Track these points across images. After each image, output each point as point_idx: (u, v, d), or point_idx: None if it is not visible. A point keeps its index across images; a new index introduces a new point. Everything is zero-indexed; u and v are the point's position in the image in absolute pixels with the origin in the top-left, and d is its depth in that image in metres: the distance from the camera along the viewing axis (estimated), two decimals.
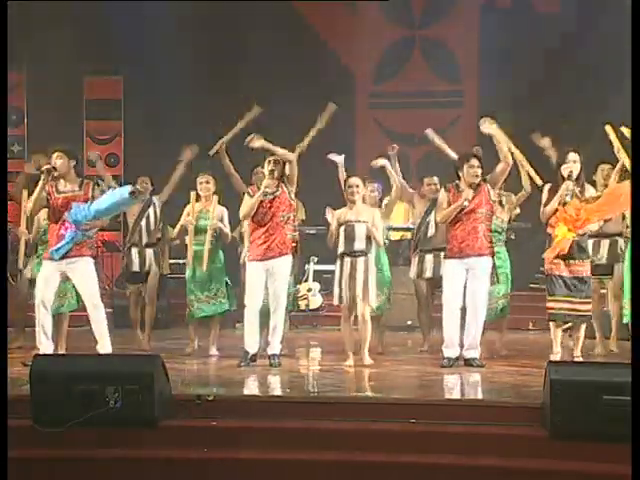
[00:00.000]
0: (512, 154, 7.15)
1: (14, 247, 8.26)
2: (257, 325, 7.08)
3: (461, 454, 5.05)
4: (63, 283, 7.01)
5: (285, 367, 7.01)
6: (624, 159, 7.14)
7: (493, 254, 7.05)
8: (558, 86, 11.96)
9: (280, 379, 6.59)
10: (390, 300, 7.97)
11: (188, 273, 7.91)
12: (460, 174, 7.01)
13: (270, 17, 12.25)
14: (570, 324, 7.25)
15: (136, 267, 8.21)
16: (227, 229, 7.90)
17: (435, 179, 8.01)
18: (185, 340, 8.12)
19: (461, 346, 6.99)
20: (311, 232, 10.14)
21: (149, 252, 8.22)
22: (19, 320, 8.27)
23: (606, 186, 7.51)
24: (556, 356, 6.91)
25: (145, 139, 12.45)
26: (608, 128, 7.19)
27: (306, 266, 10.43)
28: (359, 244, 7.10)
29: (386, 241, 8.01)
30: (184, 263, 8.23)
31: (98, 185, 6.99)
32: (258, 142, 6.95)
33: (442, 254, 7.33)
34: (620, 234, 7.65)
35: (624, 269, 7.46)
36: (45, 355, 6.35)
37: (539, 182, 7.46)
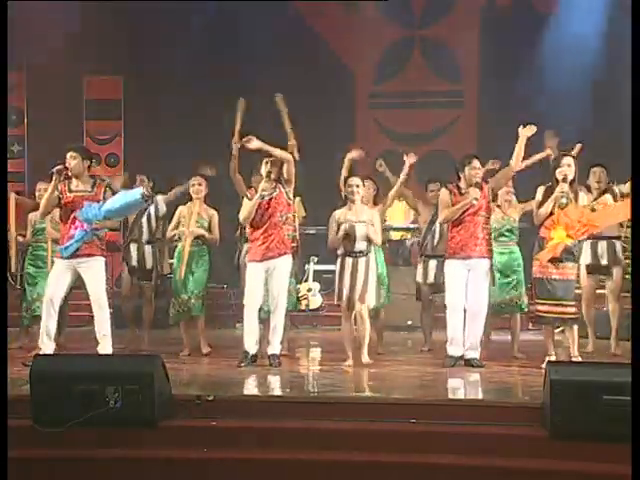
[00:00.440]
0: None
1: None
2: (257, 325, 7.09)
3: (461, 454, 5.05)
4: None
5: (285, 367, 7.02)
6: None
7: (492, 256, 7.08)
8: (557, 86, 11.95)
9: (280, 379, 6.59)
10: (389, 298, 7.98)
11: (176, 275, 7.93)
12: (461, 175, 7.04)
13: (270, 17, 12.25)
14: (562, 328, 7.26)
15: (134, 262, 8.21)
16: (215, 230, 7.91)
17: (439, 185, 8.00)
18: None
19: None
20: (311, 232, 10.14)
21: (148, 249, 8.21)
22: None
23: (598, 189, 7.55)
24: (551, 358, 6.90)
25: (145, 139, 12.45)
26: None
27: (306, 266, 10.42)
28: (360, 244, 7.11)
29: (386, 245, 8.03)
30: None
31: (110, 188, 6.97)
32: (255, 143, 6.94)
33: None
34: (618, 237, 7.68)
35: (621, 271, 7.59)
36: (45, 355, 6.35)
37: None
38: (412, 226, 10.43)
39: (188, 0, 12.09)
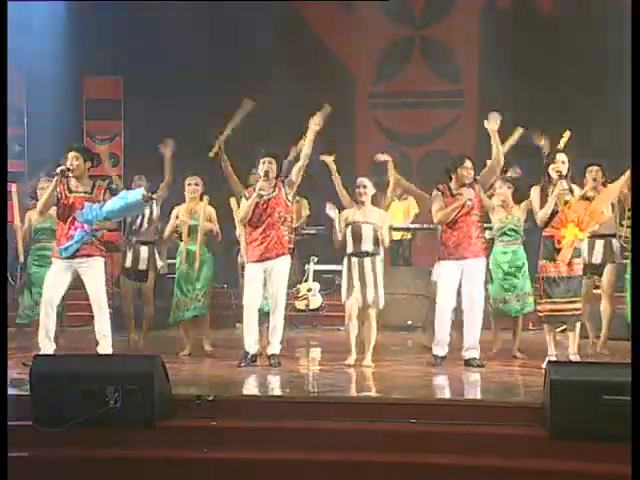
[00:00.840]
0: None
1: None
2: (256, 325, 7.09)
3: (461, 454, 5.05)
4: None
5: (285, 367, 7.02)
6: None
7: (487, 255, 7.07)
8: (558, 86, 11.96)
9: (280, 379, 6.59)
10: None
11: (178, 274, 7.93)
12: (453, 176, 7.05)
13: (270, 17, 12.25)
14: (565, 325, 7.24)
15: (129, 263, 8.21)
16: (217, 228, 7.93)
17: None
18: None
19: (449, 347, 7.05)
20: (311, 232, 10.14)
21: (144, 250, 8.20)
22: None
23: (595, 188, 7.55)
24: (552, 358, 6.89)
25: (145, 139, 12.44)
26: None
27: (306, 266, 10.42)
28: (366, 245, 7.11)
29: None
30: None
31: (110, 190, 6.97)
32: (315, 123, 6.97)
33: None
34: (614, 235, 7.67)
35: (614, 269, 7.58)
36: (45, 355, 6.35)
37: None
38: (412, 226, 10.44)
39: (188, 0, 12.10)
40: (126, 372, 5.32)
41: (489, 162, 7.12)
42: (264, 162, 7.05)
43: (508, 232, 7.67)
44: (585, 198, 6.94)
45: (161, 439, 5.25)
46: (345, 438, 5.24)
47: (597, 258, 7.66)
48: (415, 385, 6.34)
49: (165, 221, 8.13)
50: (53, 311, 6.77)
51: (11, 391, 5.38)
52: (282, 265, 7.07)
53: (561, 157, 6.92)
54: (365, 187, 7.18)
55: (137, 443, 5.23)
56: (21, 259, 8.10)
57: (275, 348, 7.07)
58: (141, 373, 5.30)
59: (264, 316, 7.40)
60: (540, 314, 6.96)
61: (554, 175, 6.81)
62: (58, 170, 6.73)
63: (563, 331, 7.32)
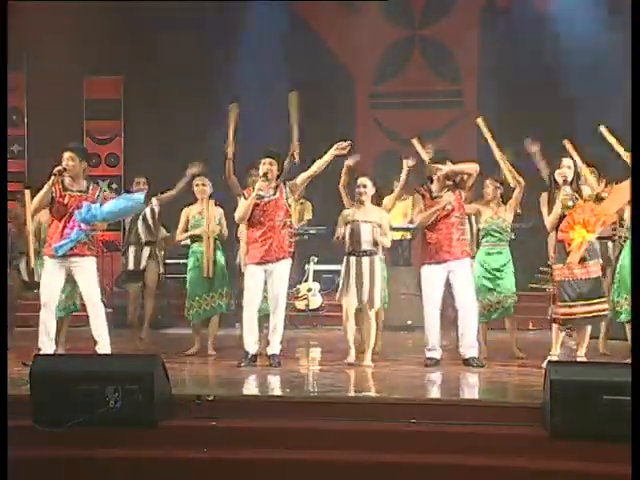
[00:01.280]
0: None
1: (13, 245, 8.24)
2: (256, 325, 7.09)
3: (461, 454, 5.05)
4: (67, 283, 7.02)
5: (285, 367, 7.02)
6: (623, 153, 7.20)
7: (471, 255, 7.17)
8: (558, 86, 11.96)
9: (280, 379, 6.59)
10: (387, 300, 8.00)
11: (190, 275, 7.93)
12: (433, 177, 7.07)
13: (270, 17, 12.24)
14: (570, 325, 7.23)
15: (131, 266, 8.21)
16: (225, 229, 7.94)
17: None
18: (185, 340, 8.12)
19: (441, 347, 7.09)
20: (311, 232, 10.14)
21: (146, 251, 8.21)
22: (10, 321, 8.24)
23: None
24: (554, 357, 6.89)
25: (145, 139, 12.45)
26: (603, 129, 7.26)
27: (306, 266, 10.43)
28: (365, 244, 7.11)
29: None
30: (184, 263, 8.24)
31: (110, 188, 7.00)
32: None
33: None
34: (610, 237, 7.67)
35: (611, 272, 7.57)
36: (45, 355, 6.35)
37: (520, 179, 7.47)
38: (412, 226, 10.43)
39: (188, 0, 12.10)
40: (126, 372, 5.32)
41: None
42: (264, 163, 7.03)
43: (492, 233, 7.63)
44: (599, 199, 6.93)
45: (161, 439, 5.25)
46: (345, 438, 5.23)
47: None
48: (415, 385, 6.34)
49: (174, 223, 8.13)
50: (53, 312, 6.79)
51: (11, 391, 5.37)
52: (283, 267, 7.06)
53: (566, 162, 6.94)
54: (365, 187, 7.18)
55: (137, 443, 5.23)
56: (32, 264, 8.08)
57: (275, 348, 7.07)
58: (141, 373, 5.30)
59: (264, 317, 7.40)
60: (556, 317, 6.91)
61: (560, 180, 6.83)
62: (55, 170, 6.75)
63: (569, 330, 7.31)
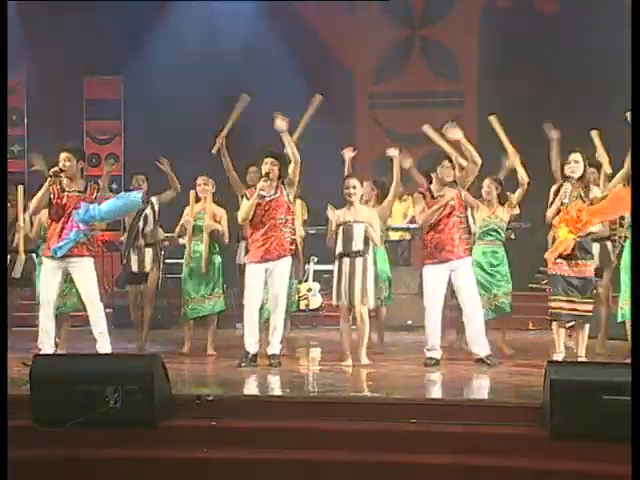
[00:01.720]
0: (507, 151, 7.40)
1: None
2: (257, 325, 7.09)
3: (461, 454, 5.05)
4: (65, 283, 7.04)
5: (285, 367, 7.02)
6: (605, 163, 7.31)
7: (471, 253, 7.16)
8: (558, 86, 11.96)
9: (280, 379, 6.59)
10: (390, 298, 8.00)
11: (184, 273, 7.94)
12: (433, 176, 7.07)
13: (270, 17, 12.25)
14: (572, 324, 7.24)
15: (135, 268, 8.20)
16: (225, 229, 7.93)
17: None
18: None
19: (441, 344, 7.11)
20: (311, 232, 10.14)
21: (148, 252, 8.21)
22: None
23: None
24: (559, 356, 6.89)
25: (145, 139, 12.45)
26: (594, 133, 7.28)
27: (306, 266, 10.43)
28: (357, 244, 7.10)
29: (386, 244, 8.05)
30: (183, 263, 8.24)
31: (110, 189, 6.99)
32: (284, 125, 6.89)
33: None
34: (608, 238, 7.68)
35: (610, 272, 7.61)
36: (45, 355, 6.36)
37: (526, 179, 7.49)
38: (412, 226, 10.43)
39: (188, 0, 12.11)
40: (126, 372, 5.32)
41: (466, 164, 7.12)
42: (266, 163, 7.03)
43: (490, 232, 7.67)
44: (590, 202, 6.94)
45: (161, 439, 5.25)
46: (345, 438, 5.23)
47: (596, 261, 7.67)
48: (415, 385, 6.34)
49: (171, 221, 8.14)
50: (52, 312, 6.81)
51: (11, 391, 5.37)
52: (283, 266, 7.07)
53: (574, 157, 6.94)
54: (355, 187, 7.18)
55: (137, 443, 5.23)
56: (22, 258, 8.07)
57: (275, 348, 7.07)
58: (141, 373, 5.30)
59: (265, 317, 7.40)
60: (550, 310, 6.99)
61: (567, 173, 6.86)
62: (51, 172, 6.75)
63: (568, 329, 7.32)
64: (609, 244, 7.70)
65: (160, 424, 5.27)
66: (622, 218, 7.48)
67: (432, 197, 7.07)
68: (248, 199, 7.07)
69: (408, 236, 10.69)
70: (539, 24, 12.36)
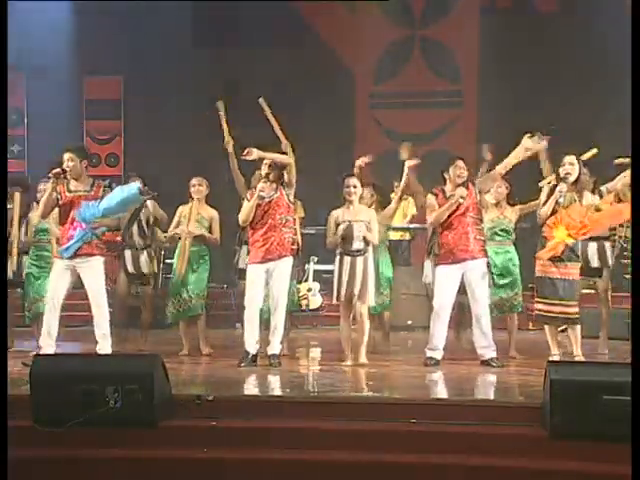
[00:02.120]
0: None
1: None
2: (257, 325, 7.09)
3: (461, 454, 5.05)
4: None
5: (285, 367, 7.02)
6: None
7: (487, 255, 7.11)
8: (558, 86, 11.97)
9: (280, 379, 6.59)
10: (390, 303, 7.99)
11: (173, 276, 7.94)
12: (446, 176, 7.07)
13: (270, 17, 12.26)
14: (564, 327, 7.25)
15: (131, 269, 8.18)
16: (215, 234, 7.95)
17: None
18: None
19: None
20: (311, 232, 10.14)
21: (143, 254, 8.18)
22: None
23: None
24: (554, 358, 6.90)
25: (145, 139, 12.46)
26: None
27: (306, 266, 10.43)
28: (357, 244, 7.11)
29: (386, 242, 8.05)
30: None
31: (110, 187, 6.95)
32: (254, 154, 6.92)
33: None
34: (607, 238, 7.69)
35: (609, 272, 7.64)
36: (45, 355, 6.35)
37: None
38: (412, 226, 10.44)
39: (188, 0, 12.11)
40: (126, 372, 5.31)
41: (495, 168, 7.11)
42: (266, 164, 7.04)
43: (499, 232, 7.67)
44: (597, 210, 6.94)
45: (161, 439, 5.24)
46: (345, 438, 5.23)
47: (594, 261, 7.68)
48: (415, 385, 6.34)
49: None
50: (57, 312, 6.78)
51: (11, 391, 5.37)
52: (284, 266, 7.07)
53: (569, 159, 6.96)
54: (355, 187, 7.19)
55: (137, 443, 5.23)
56: (14, 261, 8.07)
57: (275, 348, 7.07)
58: (141, 373, 5.29)
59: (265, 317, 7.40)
60: (531, 313, 7.07)
61: (562, 175, 6.87)
62: (52, 173, 6.75)
63: (563, 331, 7.33)
64: (608, 244, 7.71)
65: (160, 424, 5.27)
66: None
67: (445, 197, 7.06)
68: (249, 200, 7.08)
69: (408, 236, 10.69)
70: (539, 24, 12.37)
